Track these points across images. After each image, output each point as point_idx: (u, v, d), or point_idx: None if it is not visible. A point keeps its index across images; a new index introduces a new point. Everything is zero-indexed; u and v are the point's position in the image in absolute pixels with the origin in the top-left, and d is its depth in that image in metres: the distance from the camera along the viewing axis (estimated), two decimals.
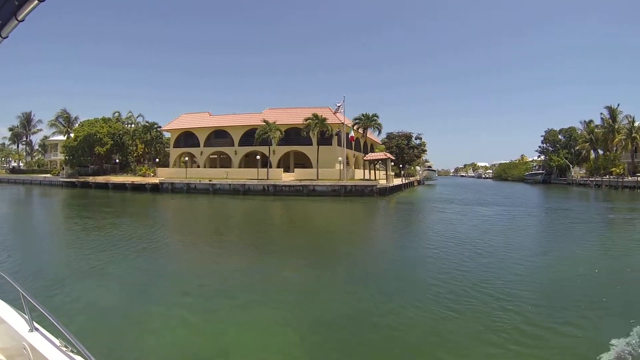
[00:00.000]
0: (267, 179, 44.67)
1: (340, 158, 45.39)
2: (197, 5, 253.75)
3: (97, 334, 6.36)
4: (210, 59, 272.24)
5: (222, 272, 10.75)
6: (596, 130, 72.46)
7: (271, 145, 46.51)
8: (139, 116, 65.42)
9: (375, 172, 48.95)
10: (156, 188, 46.46)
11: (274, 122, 45.58)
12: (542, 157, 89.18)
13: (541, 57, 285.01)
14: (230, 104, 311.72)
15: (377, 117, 48.62)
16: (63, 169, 63.16)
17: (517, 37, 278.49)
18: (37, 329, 2.99)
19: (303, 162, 52.69)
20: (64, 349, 2.76)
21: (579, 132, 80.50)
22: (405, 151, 64.02)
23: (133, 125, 63.52)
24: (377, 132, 51.83)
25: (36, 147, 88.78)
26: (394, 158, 54.20)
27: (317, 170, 44.88)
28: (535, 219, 23.99)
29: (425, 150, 67.66)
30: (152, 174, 53.89)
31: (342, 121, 47.31)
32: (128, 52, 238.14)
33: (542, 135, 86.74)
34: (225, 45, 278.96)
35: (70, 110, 70.04)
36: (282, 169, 48.55)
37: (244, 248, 14.69)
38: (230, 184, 43.60)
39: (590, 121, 76.39)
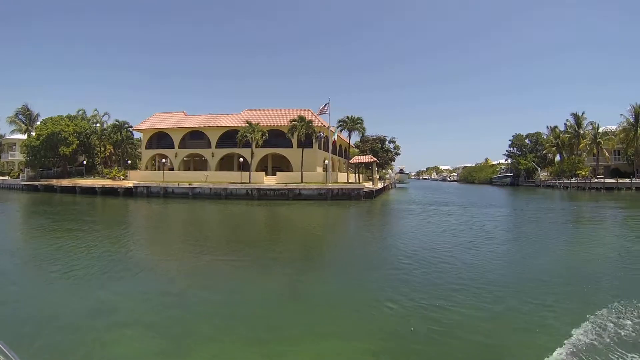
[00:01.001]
0: (250, 182, 42.81)
1: (327, 161, 44.38)
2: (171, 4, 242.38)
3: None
4: (181, 59, 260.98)
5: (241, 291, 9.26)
6: (562, 136, 75.68)
7: (252, 147, 44.54)
8: (104, 115, 61.09)
9: (359, 176, 48.27)
10: (129, 192, 43.28)
11: (257, 124, 43.66)
12: (509, 160, 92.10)
13: (488, 65, 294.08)
14: (200, 107, 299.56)
15: (362, 120, 47.99)
16: (23, 171, 57.97)
17: (478, 40, 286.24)
18: None
19: (280, 165, 51.40)
20: None
21: (545, 136, 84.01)
22: (380, 154, 63.86)
23: (99, 125, 59.04)
24: (361, 135, 51.18)
25: None
26: (379, 161, 53.81)
27: (302, 174, 43.60)
28: (530, 218, 25.64)
29: (399, 154, 67.79)
30: (122, 177, 50.61)
31: (325, 124, 46.35)
32: (96, 52, 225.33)
33: (509, 140, 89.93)
34: (197, 46, 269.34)
35: (32, 107, 64.22)
36: (263, 172, 46.82)
37: (247, 262, 12.96)
38: (211, 188, 41.45)
39: (555, 127, 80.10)
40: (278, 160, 51.65)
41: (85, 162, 56.05)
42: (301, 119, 43.44)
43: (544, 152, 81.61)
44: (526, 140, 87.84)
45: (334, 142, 49.15)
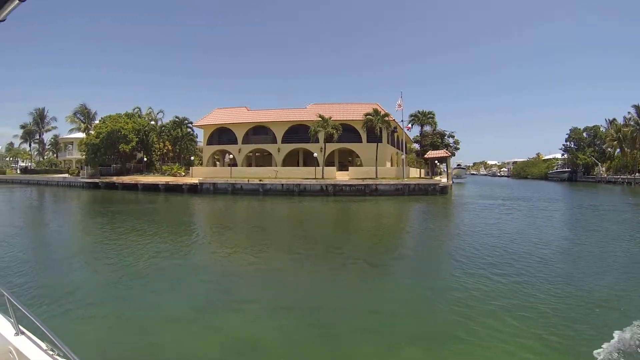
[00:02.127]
0: (323, 178, 40.81)
1: (403, 156, 42.11)
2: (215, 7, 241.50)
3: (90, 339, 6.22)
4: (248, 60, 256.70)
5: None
6: (623, 129, 71.59)
7: (321, 142, 42.54)
8: (159, 112, 60.30)
9: (431, 170, 45.99)
10: (194, 189, 41.99)
11: (330, 117, 41.59)
12: (565, 155, 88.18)
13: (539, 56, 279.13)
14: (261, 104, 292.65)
15: (434, 114, 45.69)
16: (82, 168, 57.27)
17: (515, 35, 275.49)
18: (22, 333, 3.04)
19: (343, 160, 49.60)
20: (50, 352, 2.80)
21: (603, 130, 79.95)
22: (440, 149, 61.31)
23: (154, 122, 58.17)
24: (433, 129, 48.85)
25: (47, 145, 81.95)
26: (453, 155, 51.42)
27: (376, 169, 41.47)
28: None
29: (459, 148, 64.86)
30: (183, 174, 49.23)
31: (400, 118, 44.21)
32: (142, 55, 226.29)
33: (566, 134, 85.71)
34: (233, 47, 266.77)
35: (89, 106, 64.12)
36: (334, 168, 44.86)
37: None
38: (282, 184, 39.60)
39: (614, 119, 76.16)
40: (342, 156, 49.96)
41: (145, 159, 55.11)
42: (376, 112, 41.35)
43: (604, 146, 77.48)
44: (584, 134, 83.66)
45: (397, 137, 46.99)
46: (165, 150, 58.09)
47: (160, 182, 44.94)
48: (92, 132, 57.24)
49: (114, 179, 49.90)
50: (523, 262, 11.22)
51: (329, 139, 41.64)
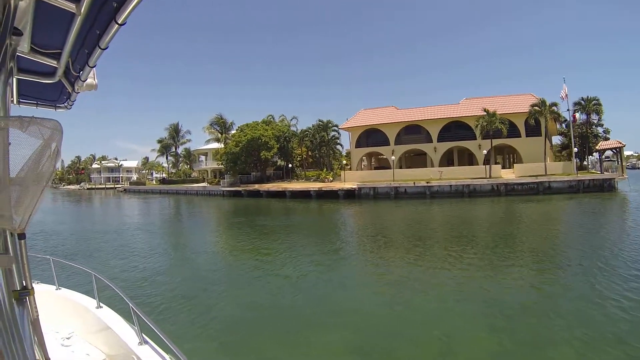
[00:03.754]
0: (490, 177, 39.80)
1: (575, 149, 39.52)
2: None
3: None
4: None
5: None
6: None
7: (495, 138, 40.97)
8: (292, 118, 61.28)
9: (600, 164, 42.84)
10: (351, 194, 40.97)
11: (494, 111, 40.23)
12: None
13: None
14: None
15: (599, 100, 42.37)
16: (222, 177, 59.20)
17: None
18: (146, 342, 3.16)
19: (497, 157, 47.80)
20: None
21: None
22: (590, 140, 56.32)
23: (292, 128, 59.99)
24: (598, 118, 45.52)
25: (180, 157, 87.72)
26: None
27: (545, 165, 39.58)
28: None
29: (608, 138, 59.63)
30: (330, 179, 49.63)
31: (566, 108, 41.63)
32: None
33: None
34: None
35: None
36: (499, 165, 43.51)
37: None
38: (450, 185, 38.75)
39: None
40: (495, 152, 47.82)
41: (290, 165, 55.87)
42: (543, 102, 39.29)
43: None
44: None
45: (575, 122, 44.25)
46: (304, 156, 58.52)
47: (312, 189, 44.21)
48: (229, 141, 58.93)
49: (256, 186, 50.56)
50: None
51: (495, 134, 40.22)
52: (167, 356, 2.99)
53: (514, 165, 42.19)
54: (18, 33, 1.78)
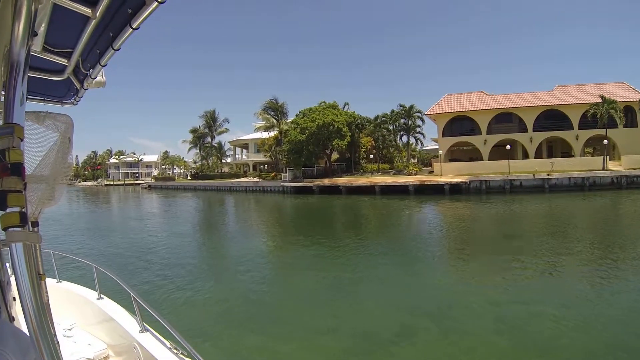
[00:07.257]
0: (605, 169, 38.64)
1: None
2: None
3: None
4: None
5: None
6: None
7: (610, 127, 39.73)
8: (345, 105, 53.39)
9: None
10: (457, 189, 37.86)
11: (611, 98, 38.89)
12: None
13: None
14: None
15: None
16: (285, 171, 51.22)
17: None
18: (147, 330, 3.20)
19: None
20: (175, 351, 2.89)
21: None
22: None
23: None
24: None
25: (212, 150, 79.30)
26: None
27: None
28: None
29: None
30: (416, 171, 45.88)
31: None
32: None
33: None
34: None
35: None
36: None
37: None
38: (569, 178, 37.18)
39: None
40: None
41: (372, 156, 50.49)
42: None
43: None
44: None
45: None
46: (369, 146, 52.68)
47: (409, 183, 39.96)
48: (285, 127, 52.42)
49: (326, 181, 45.34)
50: None
51: (610, 123, 39.00)
52: (168, 342, 3.01)
53: (622, 157, 41.07)
54: (34, 34, 1.74)
